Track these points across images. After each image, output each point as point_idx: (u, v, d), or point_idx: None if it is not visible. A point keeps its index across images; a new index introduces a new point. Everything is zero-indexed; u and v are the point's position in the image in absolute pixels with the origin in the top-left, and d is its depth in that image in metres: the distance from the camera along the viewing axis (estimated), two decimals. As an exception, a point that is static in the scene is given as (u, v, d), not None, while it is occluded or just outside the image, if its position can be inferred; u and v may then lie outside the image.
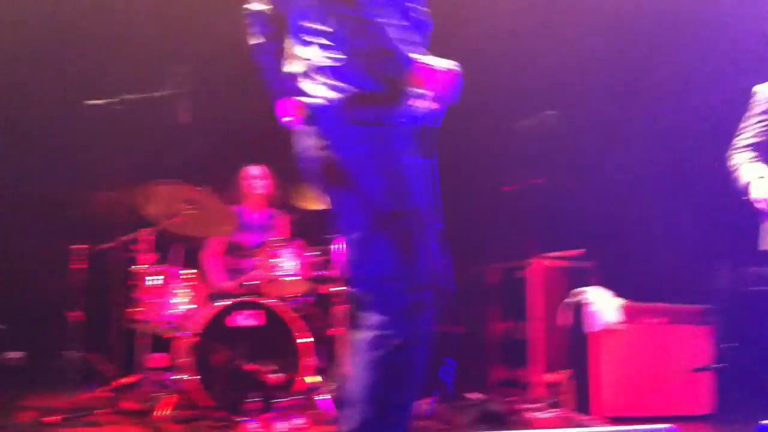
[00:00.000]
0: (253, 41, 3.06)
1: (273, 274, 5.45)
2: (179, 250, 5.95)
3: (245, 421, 4.32)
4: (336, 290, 5.52)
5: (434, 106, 2.69)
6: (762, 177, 4.16)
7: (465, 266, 6.80)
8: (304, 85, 2.77)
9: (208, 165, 6.66)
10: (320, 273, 5.56)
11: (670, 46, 6.75)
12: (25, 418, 4.61)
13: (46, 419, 4.55)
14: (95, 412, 4.81)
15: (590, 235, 6.91)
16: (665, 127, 6.96)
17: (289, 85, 2.86)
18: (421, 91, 2.65)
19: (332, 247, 5.55)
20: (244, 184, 6.28)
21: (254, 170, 6.30)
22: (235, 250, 6.28)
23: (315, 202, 5.54)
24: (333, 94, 2.68)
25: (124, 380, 5.35)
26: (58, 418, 4.60)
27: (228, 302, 5.28)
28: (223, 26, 6.72)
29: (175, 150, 6.59)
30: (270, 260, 5.48)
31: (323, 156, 2.77)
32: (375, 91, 2.67)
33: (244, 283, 5.61)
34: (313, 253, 5.58)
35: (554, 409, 5.54)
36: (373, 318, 2.69)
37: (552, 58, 6.90)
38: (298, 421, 4.68)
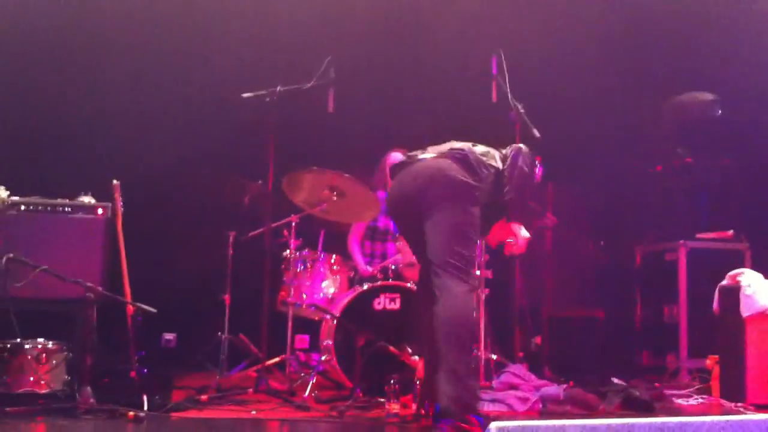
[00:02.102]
0: None
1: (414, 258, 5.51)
2: (325, 235, 6.13)
3: (386, 401, 4.40)
4: (477, 274, 5.53)
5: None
6: None
7: (614, 248, 6.69)
8: None
9: (352, 152, 6.82)
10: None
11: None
12: (180, 397, 4.86)
13: (199, 397, 4.78)
14: (244, 391, 5.00)
15: (741, 216, 6.66)
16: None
17: None
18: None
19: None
20: (387, 169, 6.38)
21: (397, 156, 6.38)
22: (378, 234, 6.41)
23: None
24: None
25: (271, 361, 5.53)
26: (209, 396, 4.82)
27: (370, 286, 5.41)
28: (365, 17, 6.97)
29: (321, 138, 6.78)
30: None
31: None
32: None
33: (386, 267, 5.71)
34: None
35: (701, 396, 5.38)
36: None
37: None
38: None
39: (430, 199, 4.12)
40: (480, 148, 4.34)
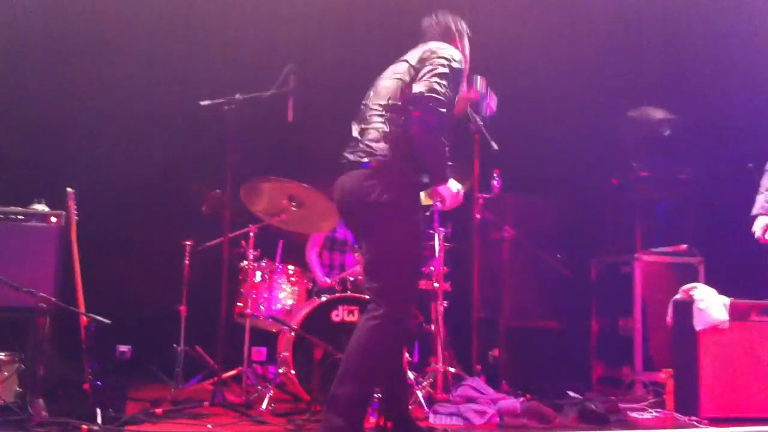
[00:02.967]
0: None
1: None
2: (283, 245, 6.09)
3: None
4: (436, 287, 5.54)
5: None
6: None
7: (570, 260, 6.74)
8: None
9: (312, 161, 6.78)
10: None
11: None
12: (134, 410, 4.79)
13: (154, 410, 4.71)
14: (200, 404, 4.95)
15: (695, 230, 6.76)
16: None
17: None
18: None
19: (434, 243, 5.58)
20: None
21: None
22: (336, 245, 6.39)
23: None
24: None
25: (228, 374, 5.47)
26: (164, 409, 4.75)
27: (329, 298, 5.39)
28: (326, 25, 6.94)
29: (280, 147, 6.74)
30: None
31: None
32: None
33: (345, 279, 5.69)
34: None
35: (656, 409, 5.44)
36: None
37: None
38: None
39: (355, 225, 4.19)
40: (386, 86, 4.11)
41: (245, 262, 5.68)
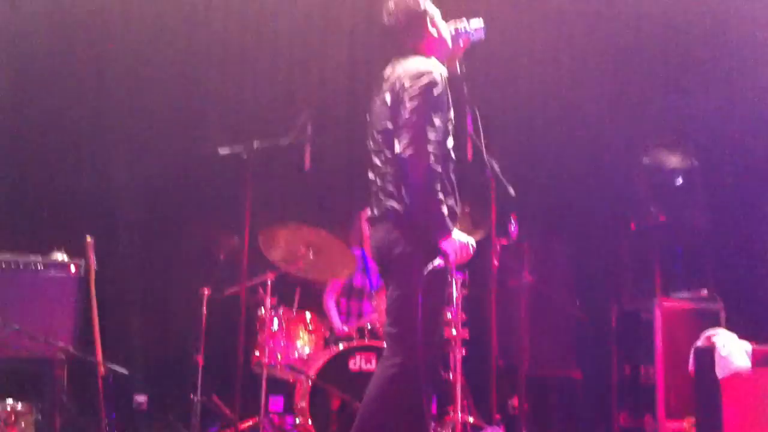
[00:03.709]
0: None
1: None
2: (300, 292, 6.08)
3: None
4: (454, 334, 5.50)
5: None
6: None
7: (590, 307, 6.68)
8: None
9: (329, 208, 6.80)
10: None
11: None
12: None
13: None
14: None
15: (715, 276, 6.70)
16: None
17: None
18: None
19: (451, 290, 5.54)
20: (364, 226, 6.36)
21: (372, 212, 6.37)
22: (354, 292, 6.37)
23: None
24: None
25: (245, 424, 5.42)
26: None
27: (346, 346, 5.35)
28: (341, 74, 7.01)
29: (297, 195, 6.76)
30: (388, 303, 5.50)
31: None
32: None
33: (363, 326, 5.66)
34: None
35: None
36: None
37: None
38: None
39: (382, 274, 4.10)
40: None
41: (262, 311, 5.66)
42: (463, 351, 5.49)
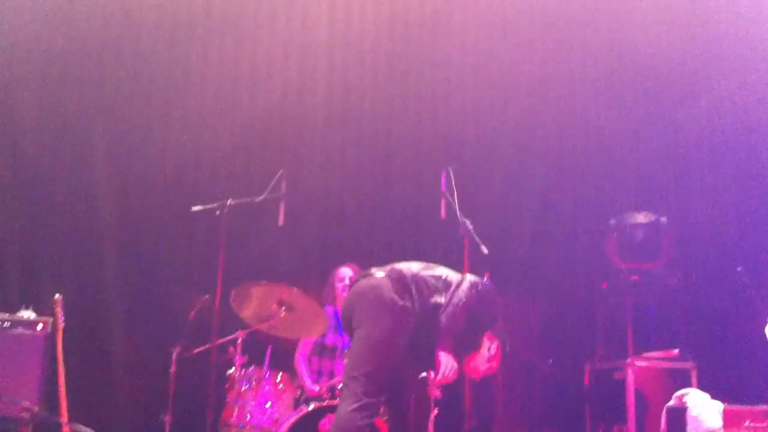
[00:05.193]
0: None
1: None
2: (271, 351, 6.02)
3: None
4: (433, 393, 5.45)
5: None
6: None
7: (563, 366, 6.67)
8: None
9: (302, 266, 6.79)
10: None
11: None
12: None
13: None
14: None
15: (687, 333, 6.72)
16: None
17: None
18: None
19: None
20: (336, 284, 6.34)
21: (345, 271, 6.36)
22: (326, 351, 6.32)
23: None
24: None
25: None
26: None
27: (317, 406, 5.29)
28: (317, 133, 7.07)
29: (271, 252, 6.75)
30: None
31: None
32: None
33: (334, 386, 5.60)
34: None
35: None
36: None
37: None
38: None
39: (356, 315, 4.29)
40: (437, 271, 4.40)
41: (232, 369, 5.59)
42: (436, 410, 5.44)
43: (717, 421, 5.12)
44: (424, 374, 4.27)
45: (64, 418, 4.55)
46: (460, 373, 4.35)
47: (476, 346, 4.40)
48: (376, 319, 4.20)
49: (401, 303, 4.21)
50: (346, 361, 4.27)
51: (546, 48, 7.21)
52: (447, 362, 4.22)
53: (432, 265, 4.48)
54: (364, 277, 4.46)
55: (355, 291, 4.40)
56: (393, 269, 4.36)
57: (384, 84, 7.11)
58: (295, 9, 7.07)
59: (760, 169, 6.88)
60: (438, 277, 4.36)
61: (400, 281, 4.28)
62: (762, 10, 6.81)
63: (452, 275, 4.41)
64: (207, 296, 5.46)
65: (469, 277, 4.37)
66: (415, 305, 4.25)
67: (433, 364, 4.33)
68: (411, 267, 4.39)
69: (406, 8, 7.08)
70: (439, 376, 4.24)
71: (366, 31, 7.10)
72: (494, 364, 4.44)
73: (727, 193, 7.00)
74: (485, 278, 4.88)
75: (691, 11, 7.02)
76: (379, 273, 4.37)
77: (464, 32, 7.11)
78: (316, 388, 5.91)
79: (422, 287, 4.29)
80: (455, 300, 4.24)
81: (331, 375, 6.18)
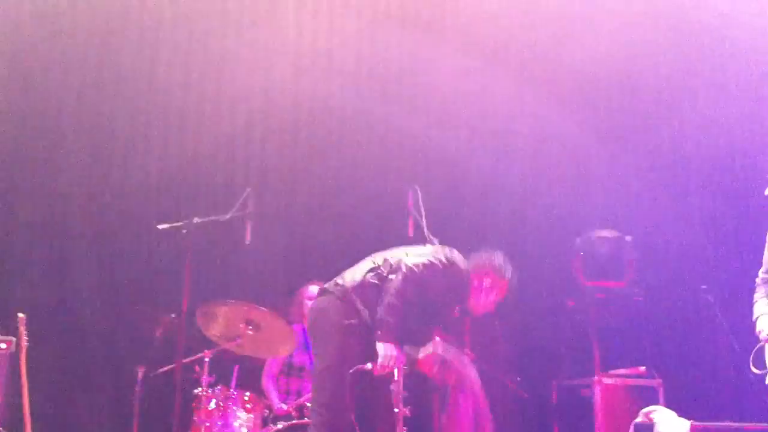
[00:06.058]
0: None
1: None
2: (238, 370, 5.97)
3: None
4: (396, 411, 5.43)
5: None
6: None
7: (530, 383, 6.68)
8: None
9: (269, 285, 6.75)
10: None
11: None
12: None
13: None
14: None
15: (653, 351, 6.76)
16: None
17: None
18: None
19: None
20: (304, 302, 6.30)
21: (313, 288, 6.32)
22: (293, 370, 6.28)
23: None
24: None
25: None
26: None
27: (285, 425, 5.25)
28: (284, 151, 7.05)
29: (237, 270, 6.71)
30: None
31: None
32: None
33: (302, 405, 5.56)
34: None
35: None
36: None
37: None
38: None
39: (311, 341, 4.52)
40: (377, 258, 4.54)
41: (199, 389, 5.52)
42: (405, 429, 5.42)
43: (684, 438, 5.15)
44: (369, 365, 4.28)
45: (27, 439, 4.48)
46: (408, 364, 4.49)
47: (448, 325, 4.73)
48: (325, 344, 4.35)
49: (346, 322, 4.32)
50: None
51: (517, 66, 7.26)
52: (386, 352, 4.28)
53: (378, 254, 4.62)
54: (321, 293, 4.60)
55: (309, 314, 4.62)
56: (337, 286, 4.48)
57: (352, 101, 7.11)
58: (262, 27, 7.05)
59: (725, 188, 6.97)
60: (378, 273, 4.46)
61: (344, 298, 4.40)
62: (733, 31, 6.91)
63: (395, 257, 4.51)
64: (173, 315, 5.41)
65: (410, 260, 4.42)
66: (363, 317, 4.34)
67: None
68: (355, 274, 4.51)
69: (373, 25, 7.10)
70: (378, 367, 4.28)
71: (333, 48, 7.11)
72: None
73: (691, 212, 7.08)
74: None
75: (665, 32, 7.10)
76: (331, 289, 4.53)
77: (434, 48, 7.13)
78: (284, 406, 5.87)
79: (367, 294, 4.34)
80: (391, 290, 4.32)
81: (299, 394, 6.14)
